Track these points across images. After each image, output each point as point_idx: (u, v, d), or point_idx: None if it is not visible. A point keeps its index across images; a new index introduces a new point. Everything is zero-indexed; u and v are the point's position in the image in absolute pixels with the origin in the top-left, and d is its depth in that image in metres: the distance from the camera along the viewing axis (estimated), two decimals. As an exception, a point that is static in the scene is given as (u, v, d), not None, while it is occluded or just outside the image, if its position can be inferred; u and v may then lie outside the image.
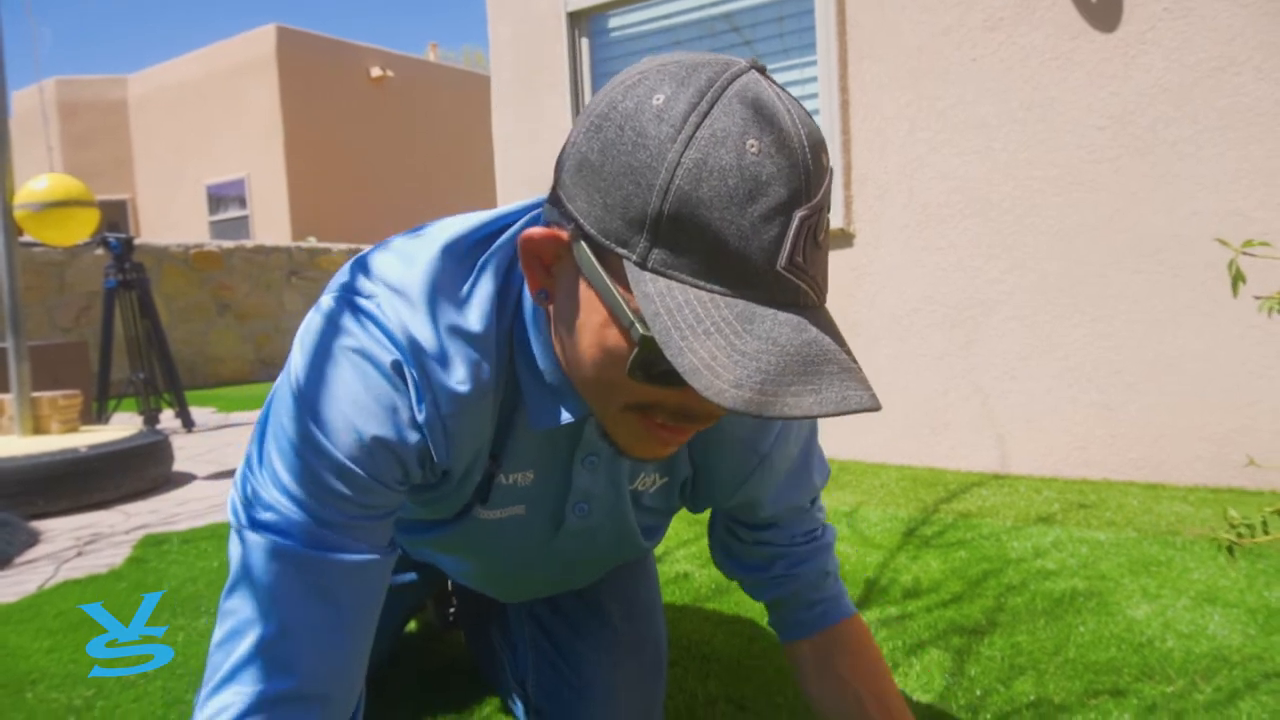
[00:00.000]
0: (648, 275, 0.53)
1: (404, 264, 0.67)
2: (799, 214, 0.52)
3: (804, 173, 0.52)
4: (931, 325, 2.61)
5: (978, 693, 1.18)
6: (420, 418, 0.66)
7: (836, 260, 2.75)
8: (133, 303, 4.26)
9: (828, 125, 2.74)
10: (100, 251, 5.34)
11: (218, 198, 11.67)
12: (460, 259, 0.68)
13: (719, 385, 0.50)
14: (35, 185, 3.62)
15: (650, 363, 0.56)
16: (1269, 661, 1.23)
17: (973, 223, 2.52)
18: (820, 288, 0.55)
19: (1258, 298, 0.91)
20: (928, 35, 2.55)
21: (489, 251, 0.69)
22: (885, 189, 2.66)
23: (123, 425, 3.62)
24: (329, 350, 0.66)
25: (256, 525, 0.65)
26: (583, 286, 0.59)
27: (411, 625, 1.50)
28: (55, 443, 2.77)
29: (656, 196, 0.52)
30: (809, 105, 2.80)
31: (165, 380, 4.31)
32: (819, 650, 0.91)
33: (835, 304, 2.73)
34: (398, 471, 0.68)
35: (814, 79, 2.77)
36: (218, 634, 0.67)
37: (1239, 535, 1.00)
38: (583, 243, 0.57)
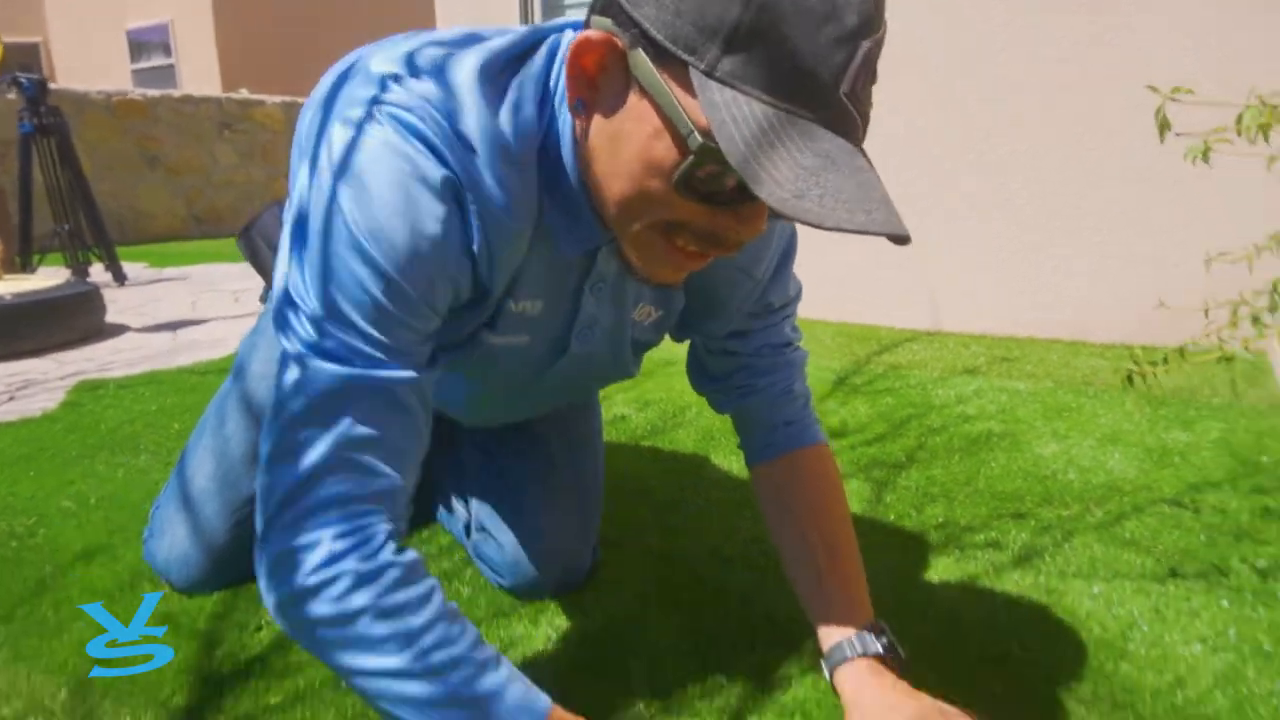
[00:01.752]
0: (714, 84, 0.53)
1: (441, 83, 0.64)
2: (865, 44, 0.52)
3: (874, 2, 0.53)
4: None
5: (892, 517, 1.26)
6: (474, 244, 0.66)
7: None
8: (51, 150, 4.03)
9: None
10: (12, 95, 5.00)
11: (139, 44, 10.90)
12: (495, 77, 0.65)
13: (781, 194, 0.51)
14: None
15: (698, 177, 0.57)
16: (1156, 491, 1.33)
17: (913, 81, 2.49)
18: (866, 124, 0.57)
19: (1180, 134, 0.93)
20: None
21: (525, 69, 0.67)
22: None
23: (49, 276, 3.50)
24: (380, 172, 0.62)
25: (318, 352, 0.63)
26: (633, 97, 0.58)
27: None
28: (-22, 290, 2.67)
29: (739, 4, 0.51)
30: None
31: (93, 233, 4.14)
32: (777, 480, 0.91)
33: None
34: (450, 297, 0.68)
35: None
36: (280, 451, 0.64)
37: (1136, 367, 1.06)
38: (641, 50, 0.56)
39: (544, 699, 0.66)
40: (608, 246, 0.75)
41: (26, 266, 4.03)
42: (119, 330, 3.00)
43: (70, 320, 2.77)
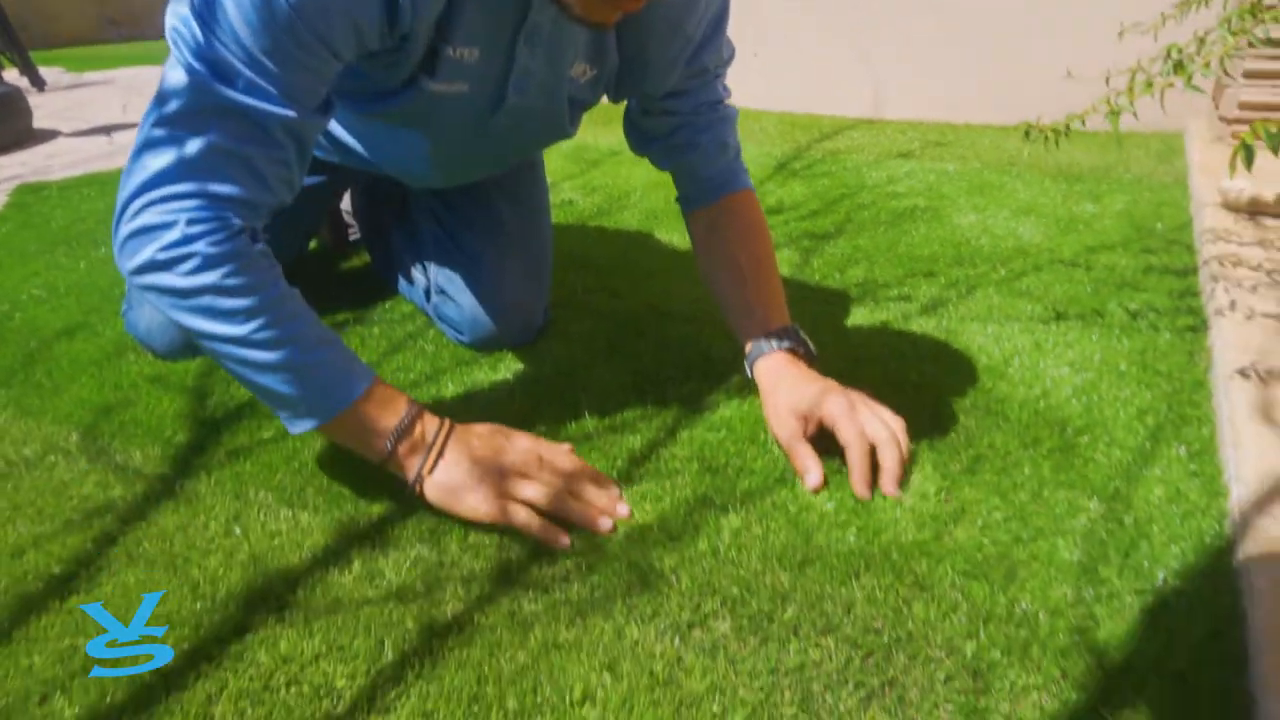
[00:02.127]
0: None
1: None
2: None
3: None
4: (821, -34, 2.57)
5: (817, 278, 1.38)
6: None
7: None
8: (-63, -63, 3.69)
9: None
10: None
11: None
12: None
13: None
14: None
15: None
16: (1057, 253, 1.46)
17: None
18: None
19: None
20: None
21: None
22: None
23: (-38, 80, 3.32)
24: None
25: (206, 64, 0.66)
26: None
27: (312, 246, 1.59)
28: (-109, 92, 2.55)
29: None
30: None
31: (2, 36, 3.88)
32: (710, 218, 1.03)
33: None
34: (353, 40, 0.71)
35: None
36: (151, 141, 0.70)
37: (1030, 126, 1.16)
38: None
39: (368, 370, 0.80)
40: None
41: (-67, 71, 3.80)
42: (49, 135, 2.91)
43: (-3, 124, 2.68)
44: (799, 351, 0.94)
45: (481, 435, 0.83)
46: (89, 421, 1.02)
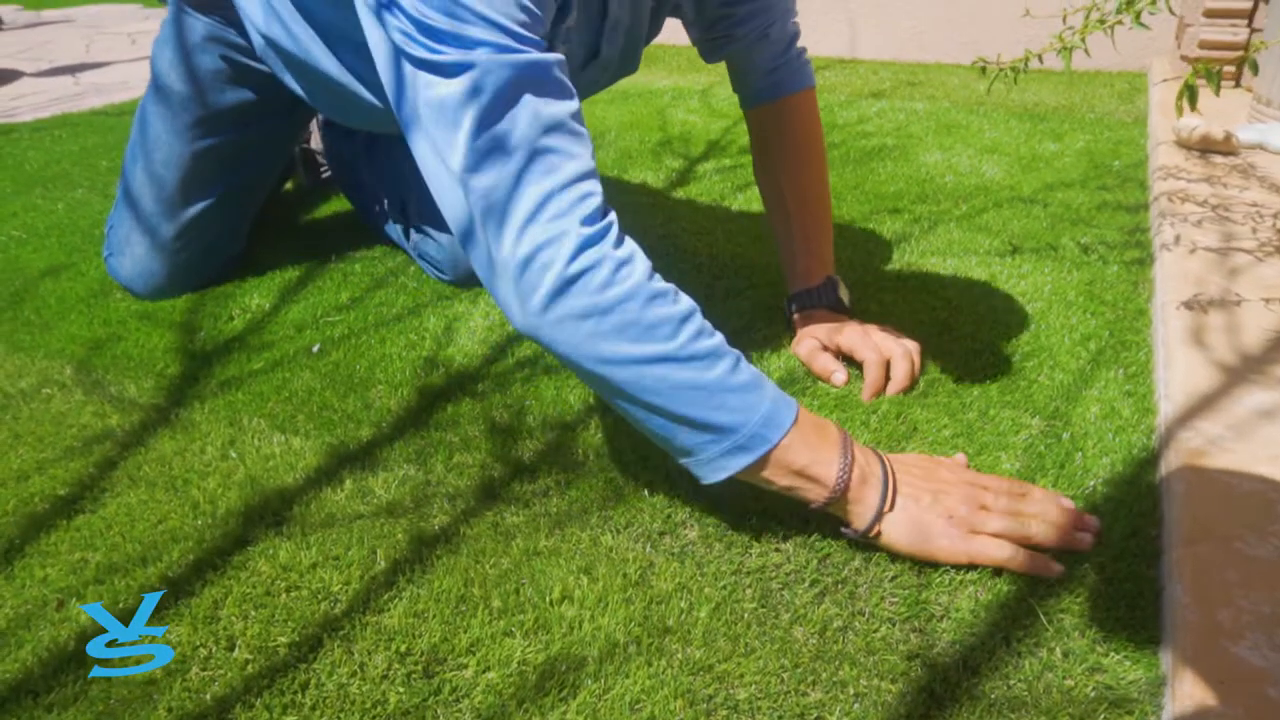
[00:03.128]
0: None
1: None
2: None
3: None
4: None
5: (786, 216, 1.42)
6: None
7: None
8: None
9: None
10: None
11: None
12: None
13: None
14: None
15: None
16: (1018, 190, 1.51)
17: None
18: None
19: None
20: None
21: None
22: None
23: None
24: None
25: (463, 45, 0.59)
26: None
27: (288, 186, 1.61)
28: None
29: None
30: None
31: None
32: (762, 126, 1.03)
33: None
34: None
35: None
36: (472, 162, 0.62)
37: (984, 64, 1.19)
38: None
39: (793, 401, 0.68)
40: None
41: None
42: (13, 76, 2.86)
43: (-42, 63, 2.63)
44: (835, 307, 1.01)
45: (918, 465, 0.72)
46: (81, 356, 1.06)
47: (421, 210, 1.21)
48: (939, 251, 1.27)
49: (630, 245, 0.64)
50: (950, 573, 0.69)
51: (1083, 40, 1.08)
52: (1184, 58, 2.06)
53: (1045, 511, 0.70)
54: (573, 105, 0.63)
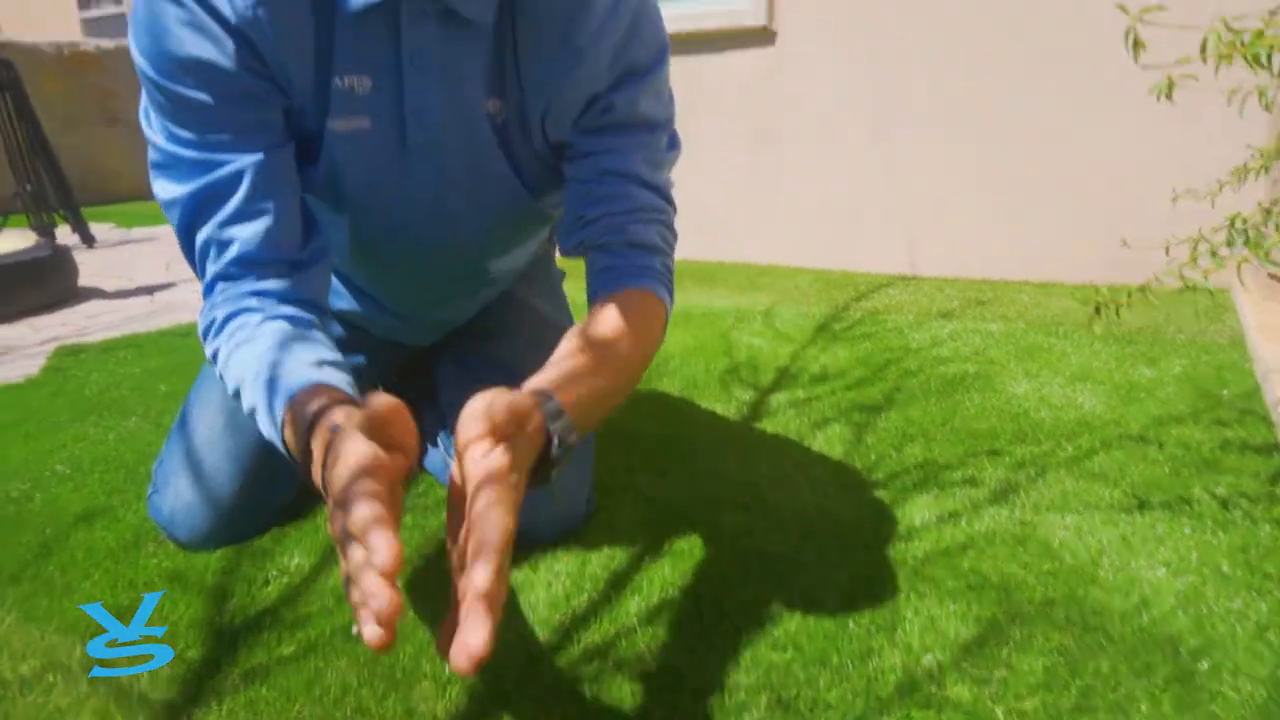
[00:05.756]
0: None
1: None
2: None
3: None
4: (852, 128, 2.63)
5: (873, 457, 1.31)
6: (232, 18, 0.72)
7: (756, 60, 2.69)
8: (7, 105, 3.92)
9: (754, -87, 2.60)
10: (-40, 51, 4.83)
11: (87, -8, 10.49)
12: None
13: None
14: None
15: None
16: (1123, 426, 1.38)
17: (897, 23, 2.49)
18: None
19: (1146, 67, 0.95)
20: None
21: None
22: (811, -15, 2.59)
23: (15, 239, 3.44)
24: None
25: (153, 167, 0.77)
26: None
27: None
28: (-56, 255, 2.63)
29: None
30: (735, -110, 2.64)
31: (57, 194, 4.05)
32: (584, 325, 0.77)
33: (753, 104, 2.71)
34: (232, 84, 0.74)
35: None
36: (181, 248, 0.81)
37: (1100, 298, 1.10)
38: None
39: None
40: (412, 6, 0.75)
41: (-10, 230, 3.94)
42: (93, 294, 2.97)
43: (42, 284, 2.74)
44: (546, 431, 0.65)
45: None
46: (96, 630, 0.94)
47: (430, 418, 1.13)
48: (1054, 505, 1.13)
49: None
50: None
51: (1206, 279, 0.99)
52: (1273, 276, 1.97)
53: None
54: (252, 193, 0.76)
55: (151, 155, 0.78)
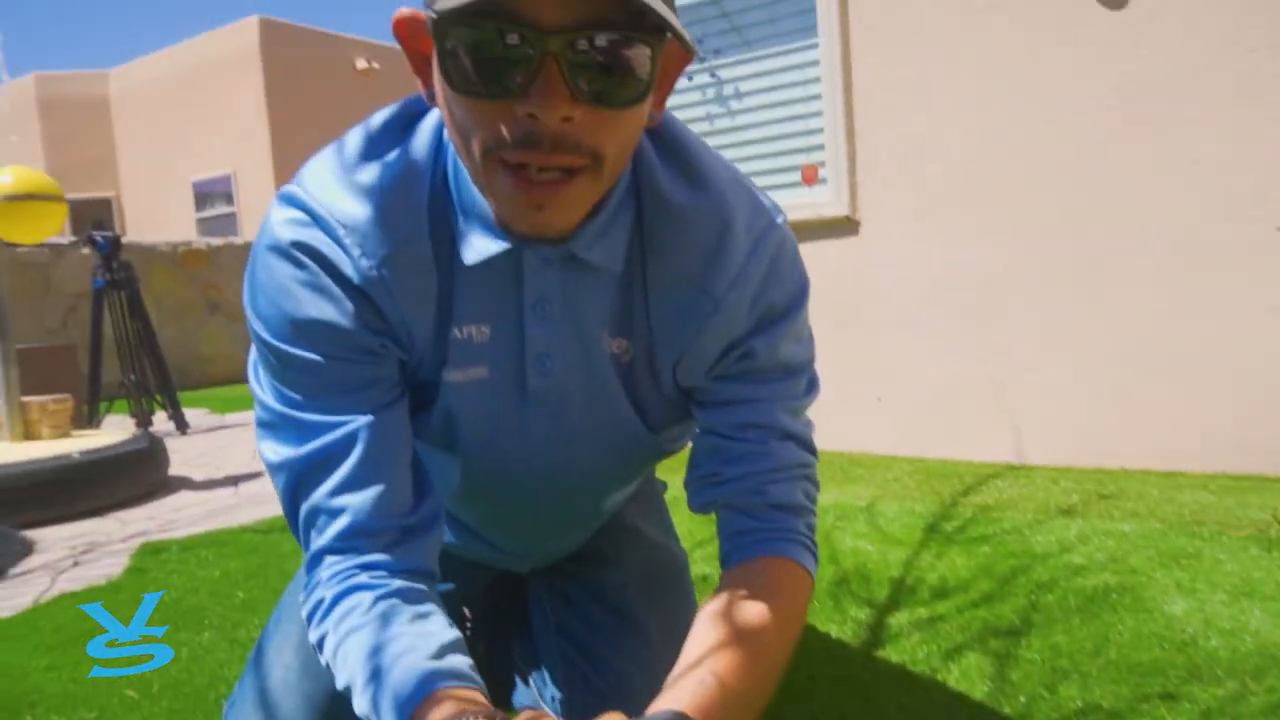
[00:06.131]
0: None
1: (328, 148, 0.71)
2: None
3: None
4: (942, 314, 2.56)
5: (1022, 699, 1.14)
6: (355, 278, 0.68)
7: (842, 249, 2.69)
8: (121, 303, 4.18)
9: (831, 110, 2.68)
10: (86, 251, 5.25)
11: (204, 194, 11.52)
12: (383, 128, 0.70)
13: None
14: (-1, 180, 3.30)
15: (450, 63, 0.57)
16: (1318, 659, 1.19)
17: (982, 208, 2.47)
18: None
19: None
20: (933, 14, 2.50)
21: (415, 115, 0.71)
22: (891, 175, 2.61)
23: (115, 429, 3.55)
24: (255, 249, 0.70)
25: (260, 426, 0.72)
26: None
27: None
28: (47, 449, 2.70)
29: None
30: (810, 90, 2.74)
31: (157, 382, 4.23)
32: (711, 603, 0.69)
33: (840, 293, 2.69)
34: (349, 342, 0.69)
35: (815, 63, 2.71)
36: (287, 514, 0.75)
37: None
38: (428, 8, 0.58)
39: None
40: (535, 255, 0.70)
41: (92, 418, 4.11)
42: (181, 484, 3.00)
43: (136, 476, 2.78)
44: None
45: None
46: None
47: (570, 707, 1.01)
48: (1262, 773, 0.94)
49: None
50: None
51: None
52: None
53: None
54: (364, 453, 0.70)
55: (259, 414, 0.74)
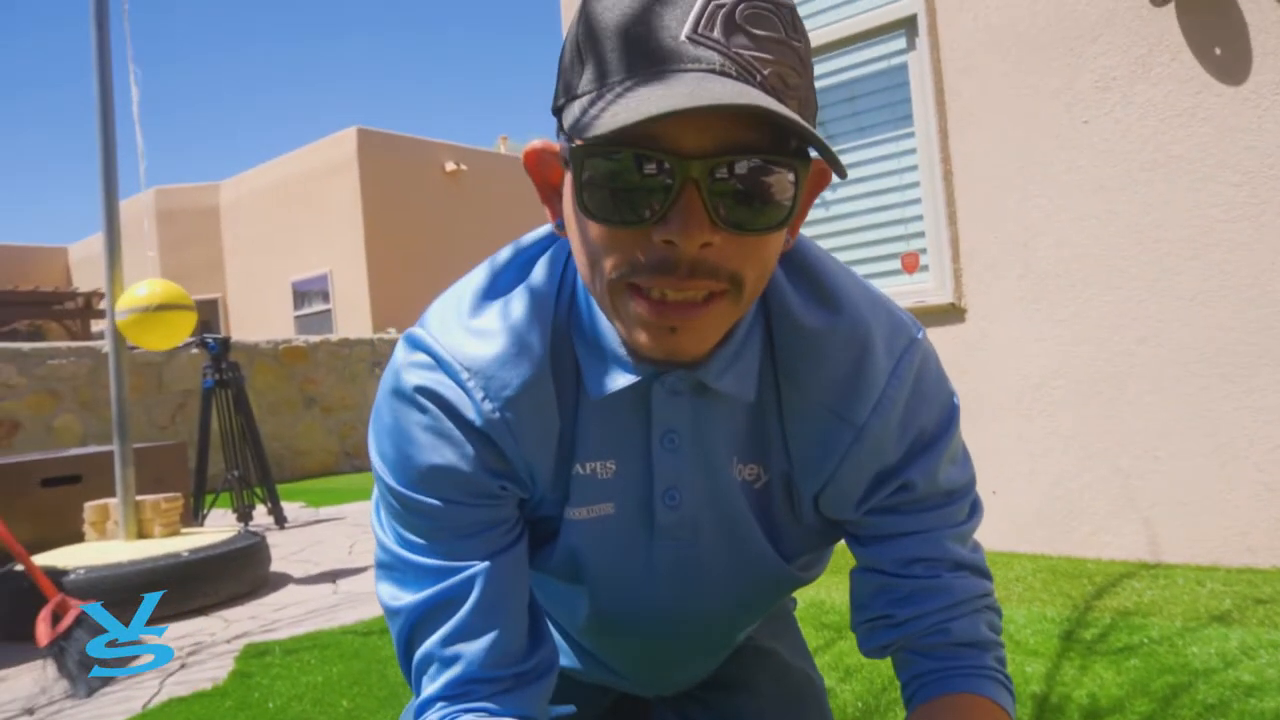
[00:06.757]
0: (567, 108, 0.56)
1: (452, 289, 0.71)
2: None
3: None
4: (1059, 402, 2.44)
5: None
6: (478, 421, 0.66)
7: (951, 334, 2.61)
8: (228, 400, 4.34)
9: (930, 198, 2.64)
10: (196, 351, 5.51)
11: (302, 293, 12.09)
12: (508, 264, 0.71)
13: (592, 122, 0.51)
14: (136, 292, 3.50)
15: (586, 192, 0.55)
16: None
17: (1098, 291, 2.37)
18: (752, 64, 0.52)
19: None
20: (1033, 100, 2.45)
21: (538, 250, 0.71)
22: (997, 260, 2.54)
23: (220, 527, 3.64)
24: (380, 392, 0.70)
25: (380, 567, 0.71)
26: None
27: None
28: (158, 547, 2.76)
29: (570, 30, 0.56)
30: (908, 178, 2.71)
31: (258, 475, 4.35)
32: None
33: (952, 381, 2.58)
34: (470, 487, 0.68)
35: (912, 151, 2.69)
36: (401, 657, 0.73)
37: None
38: (562, 138, 0.58)
39: None
40: (663, 386, 0.67)
41: (198, 512, 4.22)
42: (282, 581, 3.03)
43: (240, 573, 2.82)
44: None
45: None
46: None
47: None
48: None
49: None
50: None
51: None
52: None
53: None
54: (483, 599, 0.67)
55: (379, 555, 0.73)
